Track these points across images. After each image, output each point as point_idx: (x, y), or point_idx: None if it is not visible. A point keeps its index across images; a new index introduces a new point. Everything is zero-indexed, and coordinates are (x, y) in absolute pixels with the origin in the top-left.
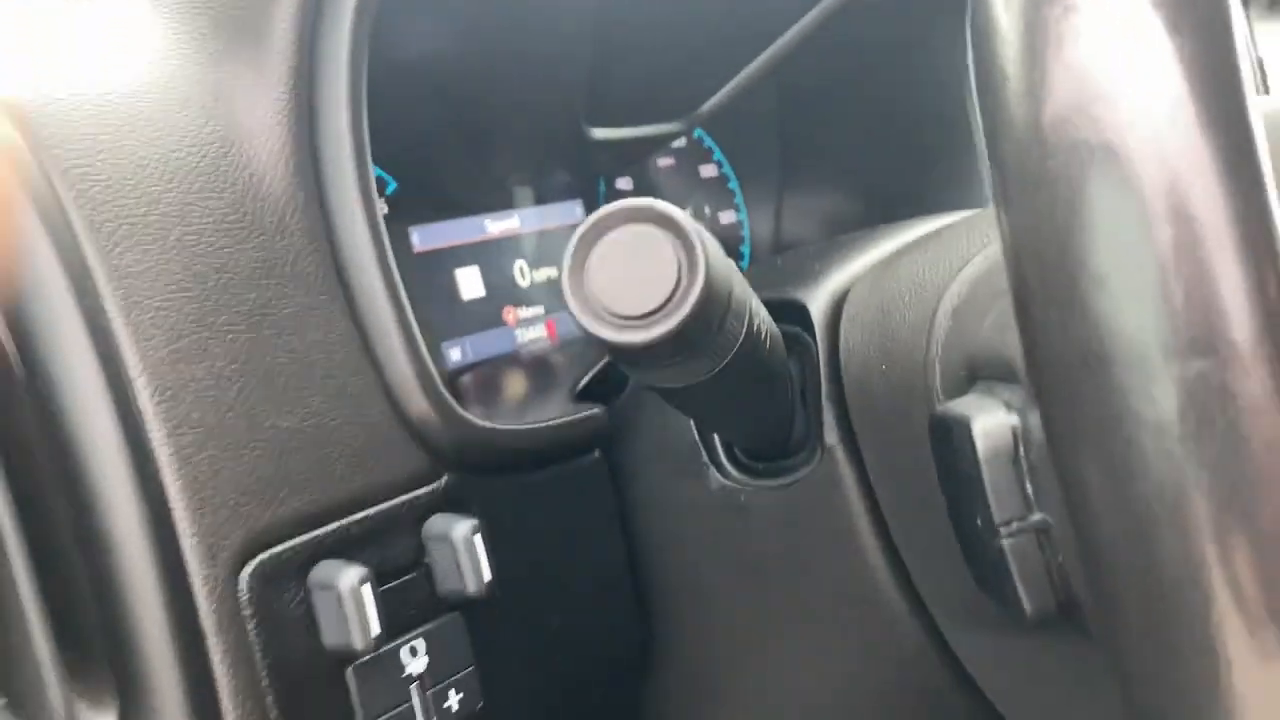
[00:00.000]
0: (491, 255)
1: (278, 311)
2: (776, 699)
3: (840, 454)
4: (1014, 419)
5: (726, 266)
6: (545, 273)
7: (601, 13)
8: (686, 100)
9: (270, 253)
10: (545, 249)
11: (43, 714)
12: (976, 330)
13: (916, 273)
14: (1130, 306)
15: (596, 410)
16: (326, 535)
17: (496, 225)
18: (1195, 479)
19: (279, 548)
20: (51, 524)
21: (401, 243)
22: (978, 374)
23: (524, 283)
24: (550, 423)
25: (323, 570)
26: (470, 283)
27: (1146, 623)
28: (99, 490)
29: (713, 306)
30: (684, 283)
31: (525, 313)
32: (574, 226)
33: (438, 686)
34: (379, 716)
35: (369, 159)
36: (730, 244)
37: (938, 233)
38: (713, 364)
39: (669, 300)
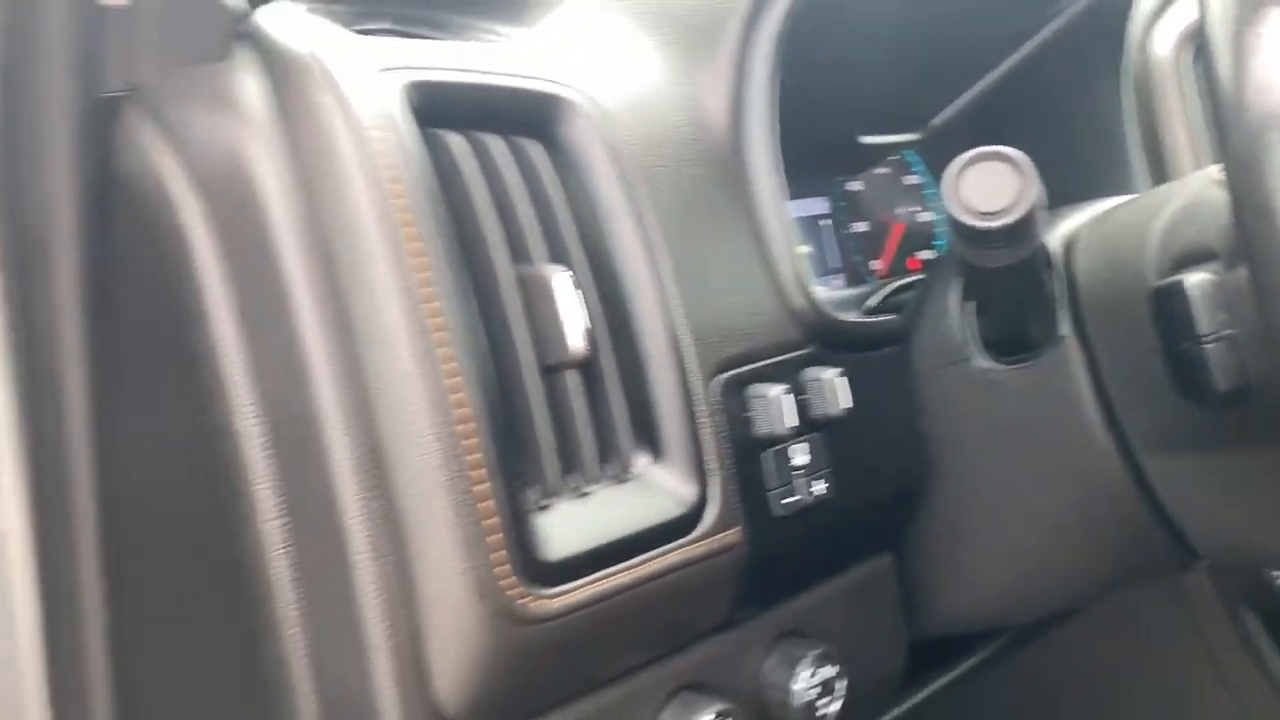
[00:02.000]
0: None
1: (725, 231)
2: (1012, 528)
3: (1072, 340)
4: (1213, 276)
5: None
6: (802, 250)
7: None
8: (918, 114)
9: (720, 196)
10: (802, 233)
11: (625, 462)
12: (1185, 237)
13: (1129, 217)
14: None
15: (896, 316)
16: (754, 369)
17: None
18: None
19: (731, 371)
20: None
21: None
22: (1183, 265)
23: None
24: (871, 320)
25: (757, 388)
26: None
27: None
28: (651, 323)
29: (1036, 211)
30: (1023, 194)
31: None
32: (816, 218)
33: (811, 476)
34: (778, 487)
35: (778, 139)
36: (927, 238)
37: (1135, 198)
38: (1025, 250)
39: (1013, 204)
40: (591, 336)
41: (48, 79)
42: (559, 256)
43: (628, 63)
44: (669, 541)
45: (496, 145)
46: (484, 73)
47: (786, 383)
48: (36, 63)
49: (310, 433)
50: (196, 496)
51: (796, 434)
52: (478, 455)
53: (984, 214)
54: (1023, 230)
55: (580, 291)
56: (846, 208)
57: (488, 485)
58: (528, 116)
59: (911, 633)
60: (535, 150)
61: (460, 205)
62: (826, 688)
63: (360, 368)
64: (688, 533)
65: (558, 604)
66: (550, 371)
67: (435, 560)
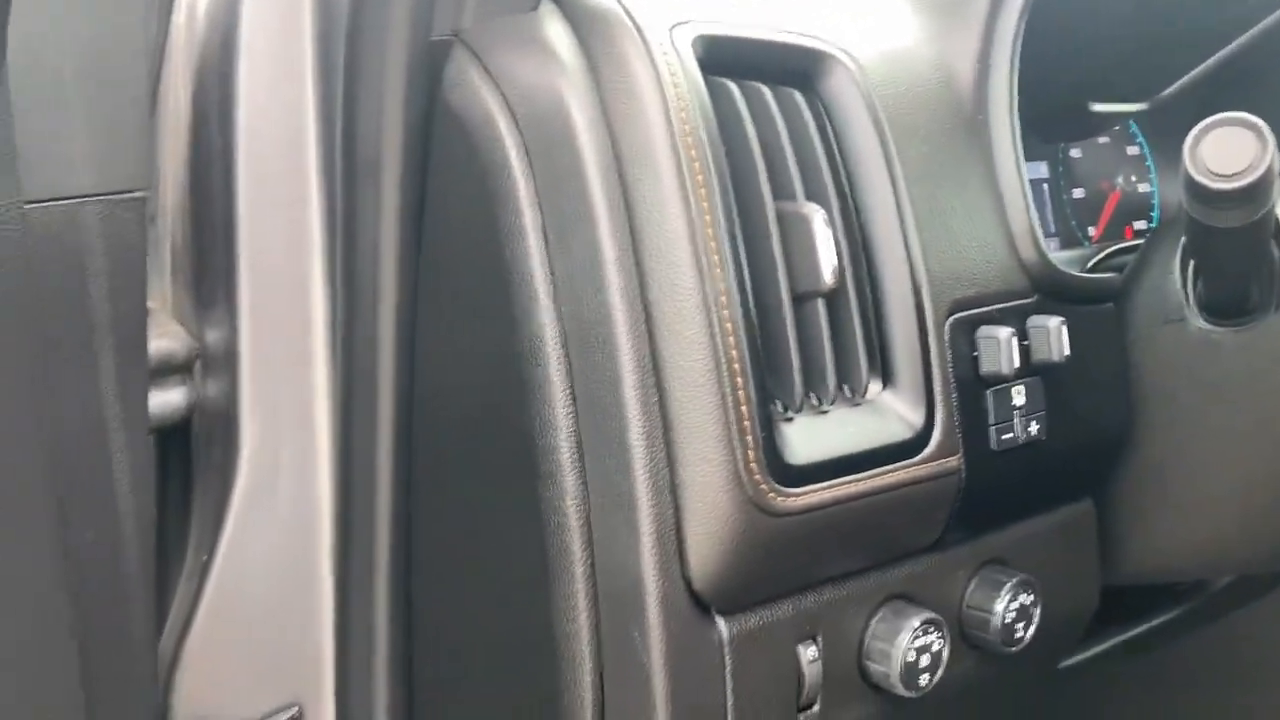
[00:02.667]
0: None
1: (965, 182)
2: (1216, 484)
3: None
4: None
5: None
6: None
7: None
8: (1147, 85)
9: (962, 150)
10: None
11: (860, 386)
12: None
13: None
14: None
15: (1114, 275)
16: (983, 312)
17: None
18: None
19: (962, 314)
20: (868, 289)
21: None
22: None
23: None
24: (1089, 275)
25: (987, 329)
26: None
27: None
28: (894, 262)
29: (1271, 175)
30: (1260, 158)
31: None
32: (1040, 181)
33: (1027, 416)
34: (1000, 423)
35: (1015, 98)
36: (1143, 208)
37: None
38: (1255, 213)
39: (1250, 167)
40: (840, 271)
41: (387, 23)
42: (815, 196)
43: (884, 22)
44: (896, 461)
45: (765, 94)
46: (759, 27)
47: (1012, 327)
48: (378, 8)
49: (601, 334)
50: (499, 387)
51: (1018, 376)
52: (738, 365)
53: (1221, 175)
54: (1256, 193)
55: (831, 229)
56: (1065, 173)
57: (744, 391)
58: (794, 68)
59: (1105, 578)
60: (798, 99)
61: (734, 146)
62: (1023, 614)
63: (646, 280)
64: (913, 455)
65: (798, 503)
66: (800, 299)
67: (698, 451)
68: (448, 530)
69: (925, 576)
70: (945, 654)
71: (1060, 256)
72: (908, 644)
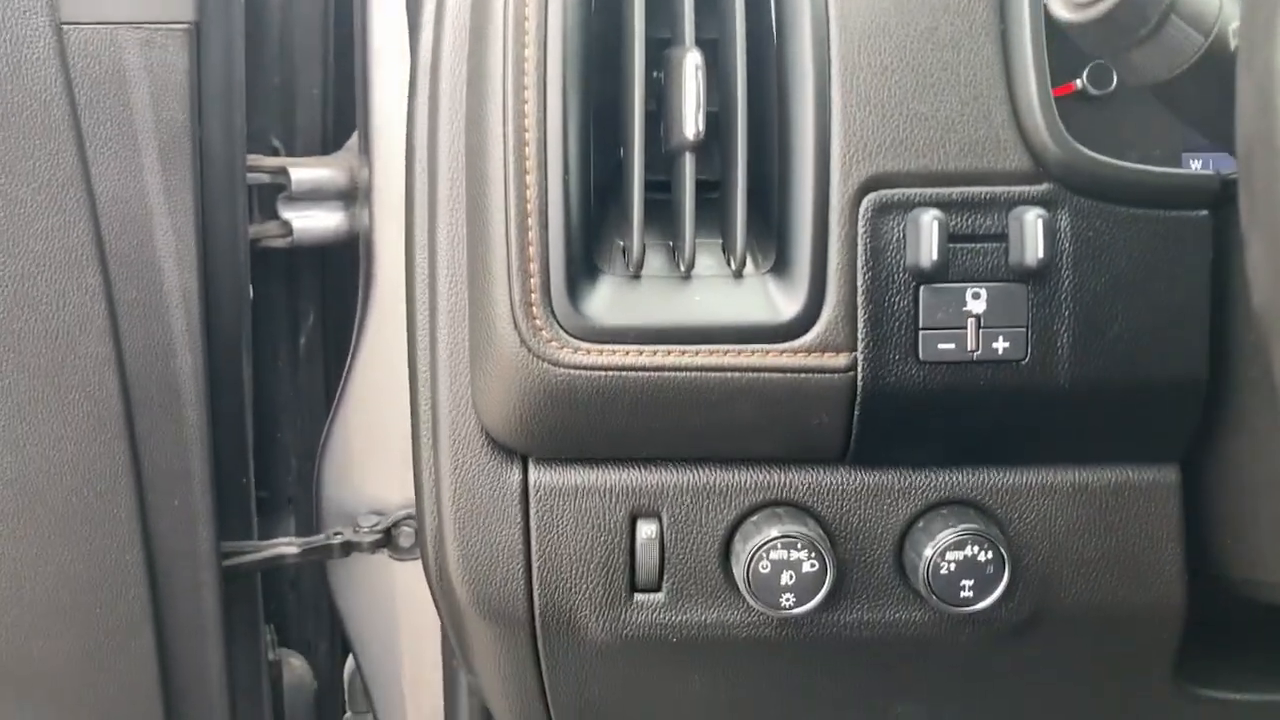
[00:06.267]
0: None
1: (945, 35)
2: None
3: None
4: None
5: None
6: None
7: None
8: None
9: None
10: None
11: (738, 258)
12: None
13: None
14: None
15: (1211, 173)
16: (928, 193)
17: None
18: None
19: (888, 190)
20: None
21: None
22: None
23: None
24: (1160, 170)
25: (915, 212)
26: None
27: None
28: (800, 120)
29: (1141, 5)
30: None
31: None
32: None
33: (989, 329)
34: (933, 328)
35: None
36: None
37: None
38: (1169, 64)
39: None
40: (699, 124)
41: None
42: (719, 36)
43: None
44: (751, 343)
45: None
46: None
47: (992, 217)
48: None
49: (429, 167)
50: None
51: (981, 279)
52: (531, 206)
53: (1078, 4)
54: (1131, 26)
55: (703, 75)
56: None
57: (534, 233)
58: None
59: (1213, 569)
60: None
61: None
62: (972, 569)
63: (469, 115)
64: (779, 341)
65: (594, 359)
66: (674, 153)
67: (483, 289)
68: None
69: (838, 494)
70: (827, 580)
71: None
72: (755, 551)
